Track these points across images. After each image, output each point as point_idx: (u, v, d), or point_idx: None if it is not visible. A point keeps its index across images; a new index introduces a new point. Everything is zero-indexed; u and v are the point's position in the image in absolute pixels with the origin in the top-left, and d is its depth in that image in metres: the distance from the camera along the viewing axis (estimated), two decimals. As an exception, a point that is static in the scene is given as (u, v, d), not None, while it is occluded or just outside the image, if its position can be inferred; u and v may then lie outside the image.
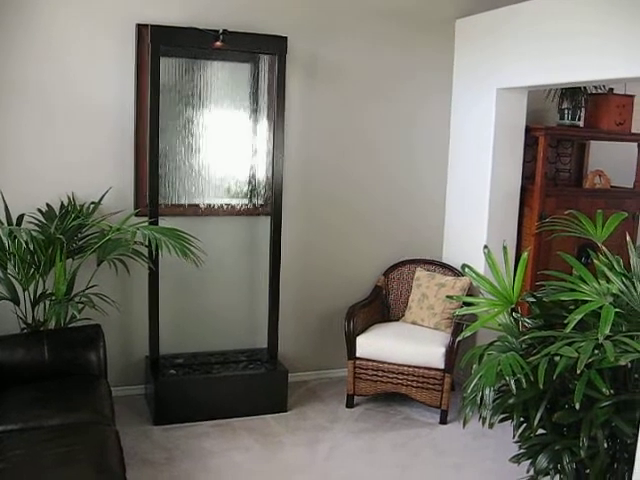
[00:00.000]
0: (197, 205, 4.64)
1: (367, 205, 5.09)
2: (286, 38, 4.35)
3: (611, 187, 5.33)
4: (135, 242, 4.05)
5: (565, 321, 2.57)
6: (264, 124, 4.69)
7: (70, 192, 4.27)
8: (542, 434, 2.79)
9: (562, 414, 2.64)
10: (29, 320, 3.98)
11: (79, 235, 4.13)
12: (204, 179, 4.63)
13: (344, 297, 5.01)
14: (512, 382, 2.60)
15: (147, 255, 4.25)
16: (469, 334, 2.96)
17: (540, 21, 4.23)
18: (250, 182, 4.75)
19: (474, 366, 2.88)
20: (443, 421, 4.45)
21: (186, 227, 4.30)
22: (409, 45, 5.00)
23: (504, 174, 4.81)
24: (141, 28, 4.28)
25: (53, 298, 3.89)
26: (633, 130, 5.24)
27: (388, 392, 4.56)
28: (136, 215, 4.28)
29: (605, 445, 2.52)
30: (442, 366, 4.38)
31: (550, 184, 5.19)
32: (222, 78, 4.59)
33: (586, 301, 2.58)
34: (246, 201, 4.76)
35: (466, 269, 3.13)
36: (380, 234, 5.16)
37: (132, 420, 4.27)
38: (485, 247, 3.08)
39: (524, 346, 2.79)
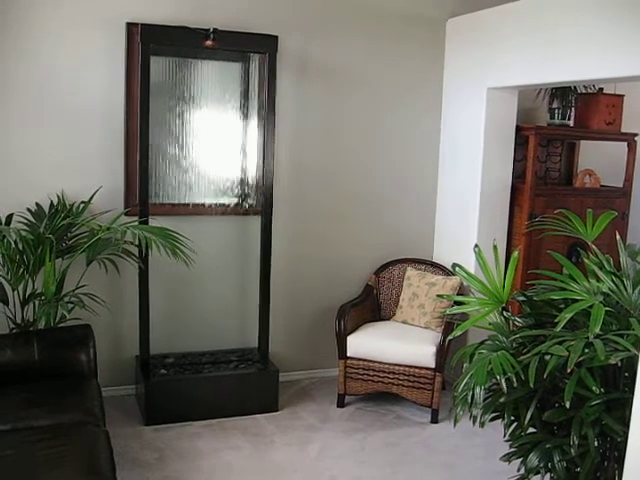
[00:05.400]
0: (188, 204, 4.63)
1: (358, 204, 5.09)
2: (277, 37, 4.34)
3: (601, 186, 5.35)
4: (125, 241, 4.04)
5: (555, 320, 2.57)
6: (255, 123, 4.68)
7: (60, 191, 4.25)
8: (533, 433, 2.80)
9: (552, 413, 2.65)
10: (18, 320, 3.96)
11: (69, 234, 4.11)
12: (195, 178, 4.62)
13: (335, 296, 5.01)
14: (503, 381, 2.60)
15: (137, 255, 4.23)
16: (460, 333, 2.96)
17: (531, 21, 4.25)
18: (241, 181, 4.75)
19: (465, 365, 2.88)
20: (434, 420, 4.46)
21: (176, 227, 4.28)
22: (400, 45, 5.01)
23: (495, 173, 4.82)
24: (131, 27, 4.26)
25: (42, 298, 3.87)
26: (623, 129, 5.25)
27: (379, 391, 4.56)
28: (126, 214, 4.27)
29: (595, 443, 2.52)
30: (433, 365, 4.38)
31: (540, 183, 5.21)
32: (212, 77, 4.58)
33: (576, 300, 2.58)
34: (237, 200, 4.75)
35: (456, 268, 3.13)
36: (371, 233, 5.16)
37: (122, 420, 4.25)
38: (476, 246, 3.09)
39: (515, 345, 2.79)
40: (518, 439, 2.83)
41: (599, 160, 5.54)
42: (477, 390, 2.68)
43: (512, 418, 2.78)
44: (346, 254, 5.12)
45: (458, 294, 4.62)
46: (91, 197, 4.26)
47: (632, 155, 5.26)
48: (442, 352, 4.36)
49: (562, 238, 4.70)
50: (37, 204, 4.21)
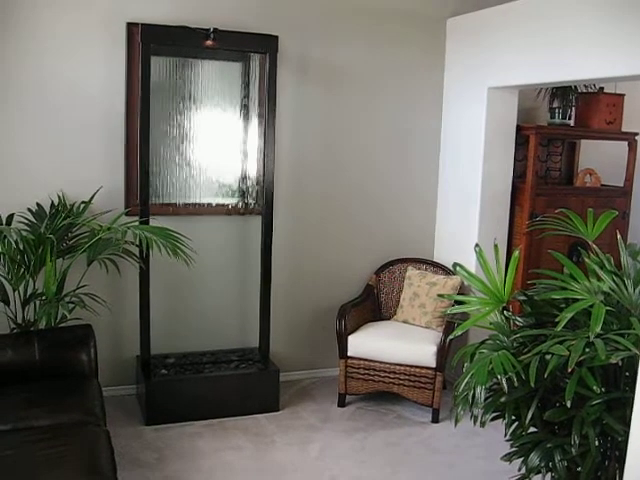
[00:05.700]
0: (188, 204, 4.62)
1: (358, 204, 5.09)
2: (277, 37, 4.34)
3: (601, 186, 5.35)
4: (126, 241, 4.04)
5: (556, 319, 2.57)
6: (255, 123, 4.68)
7: (60, 191, 4.25)
8: (533, 432, 2.79)
9: (553, 412, 2.64)
10: (19, 320, 3.96)
11: (69, 235, 4.11)
12: (195, 178, 4.62)
13: (336, 296, 5.01)
14: (504, 381, 2.60)
15: (138, 255, 4.23)
16: (460, 333, 2.96)
17: (531, 20, 4.24)
18: (241, 181, 4.75)
19: (465, 365, 2.88)
20: (435, 420, 4.46)
21: (177, 226, 4.28)
22: (401, 44, 5.00)
23: (495, 173, 4.82)
24: (131, 27, 4.26)
25: (43, 298, 3.87)
26: (623, 129, 5.25)
27: (380, 391, 4.56)
28: (127, 214, 4.26)
29: (596, 443, 2.52)
30: (434, 365, 4.38)
31: (541, 183, 5.21)
32: (213, 77, 4.58)
33: (577, 299, 2.58)
34: (237, 200, 4.75)
35: (457, 268, 3.13)
36: (372, 233, 5.16)
37: (123, 420, 4.25)
38: (476, 245, 3.08)
39: (515, 344, 2.79)
40: (519, 439, 2.82)
41: (600, 159, 5.54)
42: (478, 390, 2.67)
43: (513, 418, 2.78)
44: (346, 254, 5.11)
45: (459, 294, 4.62)
46: (92, 197, 4.26)
47: (633, 154, 5.26)
48: (443, 352, 4.36)
49: (563, 237, 4.69)
50: (38, 204, 4.21)
